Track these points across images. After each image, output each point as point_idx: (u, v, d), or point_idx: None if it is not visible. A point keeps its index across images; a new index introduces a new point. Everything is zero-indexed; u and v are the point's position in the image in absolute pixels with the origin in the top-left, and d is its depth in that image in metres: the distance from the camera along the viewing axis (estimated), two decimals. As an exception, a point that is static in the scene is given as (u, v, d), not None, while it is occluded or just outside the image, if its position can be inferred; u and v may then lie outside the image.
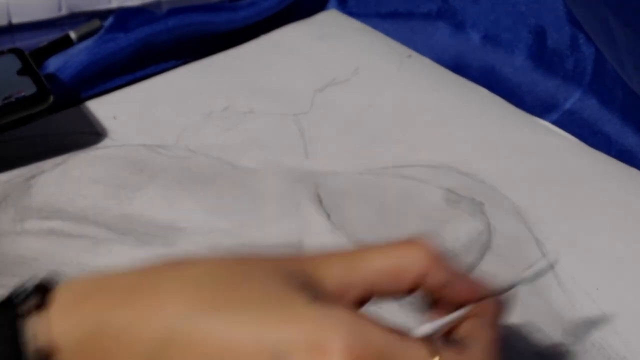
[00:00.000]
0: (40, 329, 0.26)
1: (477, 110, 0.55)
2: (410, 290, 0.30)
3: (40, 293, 0.27)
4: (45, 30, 0.59)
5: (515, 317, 0.40)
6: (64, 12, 0.59)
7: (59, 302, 0.27)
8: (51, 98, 0.47)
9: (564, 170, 0.50)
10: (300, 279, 0.28)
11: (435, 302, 0.31)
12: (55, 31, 0.59)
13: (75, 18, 0.59)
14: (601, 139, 0.54)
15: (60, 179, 0.48)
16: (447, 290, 0.30)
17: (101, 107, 0.54)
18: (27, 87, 0.48)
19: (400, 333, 0.27)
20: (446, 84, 0.58)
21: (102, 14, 0.60)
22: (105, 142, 0.51)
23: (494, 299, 0.31)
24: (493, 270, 0.43)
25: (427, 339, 0.28)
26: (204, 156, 0.50)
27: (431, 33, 0.63)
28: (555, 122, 0.55)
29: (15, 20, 0.58)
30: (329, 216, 0.46)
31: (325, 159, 0.50)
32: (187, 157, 0.50)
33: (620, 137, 0.53)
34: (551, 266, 0.33)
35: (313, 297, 0.28)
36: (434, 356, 0.27)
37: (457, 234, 0.45)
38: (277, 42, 0.62)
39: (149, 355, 0.27)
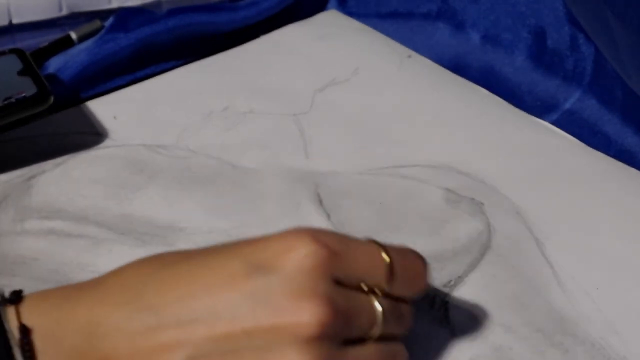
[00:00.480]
0: (14, 315, 0.31)
1: (477, 110, 0.55)
2: None
3: (14, 294, 0.33)
4: (46, 30, 0.59)
5: (515, 317, 0.40)
6: (64, 12, 0.59)
7: (28, 298, 0.32)
8: (51, 99, 0.47)
9: (564, 170, 0.50)
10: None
11: None
12: (56, 31, 0.59)
13: (75, 18, 0.59)
14: (601, 139, 0.54)
15: (60, 179, 0.48)
16: None
17: (101, 107, 0.54)
18: (27, 88, 0.48)
19: None
20: (446, 84, 0.58)
21: (102, 14, 0.60)
22: (105, 142, 0.51)
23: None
24: (493, 270, 0.43)
25: None
26: (204, 156, 0.50)
27: (431, 33, 0.63)
28: (555, 122, 0.55)
29: (16, 20, 0.58)
30: (329, 216, 0.46)
31: (325, 159, 0.50)
32: (187, 157, 0.50)
33: (620, 137, 0.53)
34: None
35: None
36: (381, 250, 0.33)
37: (457, 234, 0.45)
38: (277, 42, 0.62)
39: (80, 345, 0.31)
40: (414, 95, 0.56)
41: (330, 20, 0.65)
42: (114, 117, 0.53)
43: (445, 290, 0.41)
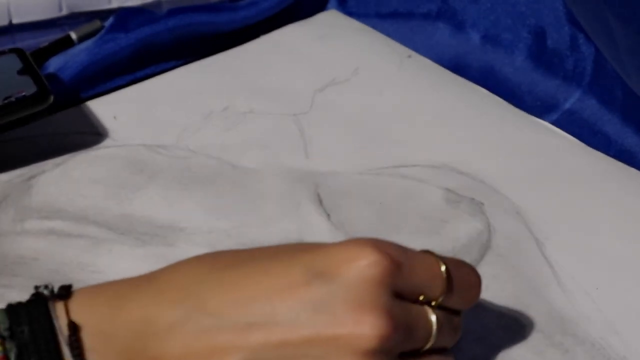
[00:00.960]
0: (63, 312, 0.31)
1: (477, 110, 0.55)
2: None
3: (64, 289, 0.32)
4: (46, 30, 0.59)
5: (515, 317, 0.40)
6: (64, 12, 0.59)
7: (78, 294, 0.32)
8: (51, 98, 0.47)
9: (564, 170, 0.50)
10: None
11: None
12: (56, 31, 0.59)
13: (75, 18, 0.59)
14: (601, 139, 0.54)
15: (60, 179, 0.48)
16: None
17: (101, 107, 0.54)
18: (27, 87, 0.48)
19: None
20: (446, 84, 0.58)
21: (102, 14, 0.60)
22: (105, 142, 0.51)
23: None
24: (493, 271, 0.43)
25: None
26: (204, 156, 0.50)
27: (431, 33, 0.63)
28: (555, 122, 0.55)
29: (16, 20, 0.58)
30: (329, 216, 0.46)
31: (325, 159, 0.50)
32: (187, 157, 0.50)
33: (620, 137, 0.53)
34: None
35: None
36: (440, 262, 0.33)
37: (457, 234, 0.45)
38: (277, 42, 0.62)
39: (131, 343, 0.31)
40: (414, 95, 0.56)
41: (330, 20, 0.65)
42: (114, 117, 0.53)
43: (445, 290, 0.41)
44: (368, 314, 0.30)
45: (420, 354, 0.33)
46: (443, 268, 0.32)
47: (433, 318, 0.32)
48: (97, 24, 0.58)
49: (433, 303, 0.33)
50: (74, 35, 0.58)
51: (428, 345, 0.32)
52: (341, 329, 0.30)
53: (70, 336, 0.30)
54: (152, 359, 0.30)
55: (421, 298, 0.32)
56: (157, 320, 0.30)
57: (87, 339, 0.30)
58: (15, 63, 0.50)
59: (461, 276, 0.33)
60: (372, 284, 0.30)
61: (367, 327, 0.29)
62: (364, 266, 0.30)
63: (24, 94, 0.47)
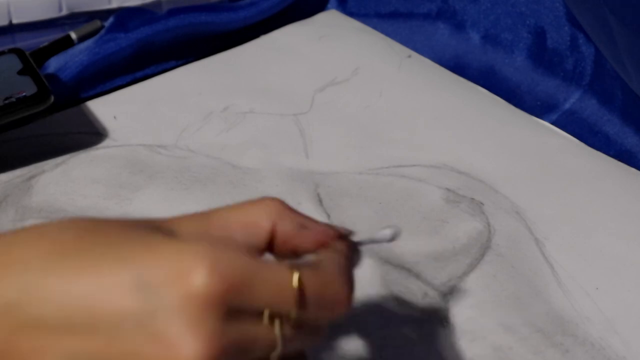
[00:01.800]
0: None
1: (477, 110, 0.55)
2: (269, 245, 0.32)
3: None
4: (45, 30, 0.59)
5: (514, 317, 0.40)
6: (64, 12, 0.59)
7: None
8: (52, 98, 0.47)
9: (564, 170, 0.50)
10: (158, 229, 0.30)
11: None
12: (55, 31, 0.59)
13: (75, 18, 0.60)
14: (601, 139, 0.54)
15: (60, 179, 0.48)
16: (298, 240, 0.32)
17: (101, 107, 0.54)
18: (27, 87, 0.48)
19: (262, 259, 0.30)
20: (446, 84, 0.58)
21: (102, 14, 0.60)
22: (105, 142, 0.51)
23: (345, 242, 0.33)
24: (493, 270, 0.43)
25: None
26: (204, 156, 0.50)
27: (431, 33, 0.63)
28: (555, 122, 0.55)
29: (16, 20, 0.58)
30: (329, 216, 0.46)
31: (325, 159, 0.50)
32: (187, 157, 0.50)
33: (620, 137, 0.53)
34: (392, 239, 0.36)
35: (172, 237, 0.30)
36: (293, 272, 0.30)
37: (457, 234, 0.45)
38: (277, 42, 0.62)
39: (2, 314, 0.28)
40: (414, 95, 0.56)
41: (330, 20, 0.65)
42: (114, 117, 0.53)
43: (445, 290, 0.41)
44: (190, 336, 0.28)
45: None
46: (295, 282, 0.30)
47: (277, 332, 0.30)
48: (97, 23, 0.58)
49: (284, 317, 0.30)
50: (74, 36, 0.58)
51: (275, 357, 0.30)
52: (161, 350, 0.28)
53: None
54: None
55: (265, 314, 0.30)
56: None
57: None
58: (15, 63, 0.51)
59: (323, 290, 0.31)
60: (199, 307, 0.28)
61: (189, 350, 0.28)
62: (194, 287, 0.28)
63: (24, 94, 0.47)
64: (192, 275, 0.28)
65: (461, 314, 0.40)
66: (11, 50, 0.52)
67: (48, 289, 0.28)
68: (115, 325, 0.28)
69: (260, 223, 0.32)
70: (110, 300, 0.28)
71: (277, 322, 0.30)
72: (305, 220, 0.33)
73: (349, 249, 0.33)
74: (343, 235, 0.34)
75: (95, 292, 0.28)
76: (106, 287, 0.28)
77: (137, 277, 0.28)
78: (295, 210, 0.32)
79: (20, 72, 0.50)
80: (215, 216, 0.32)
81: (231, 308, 0.29)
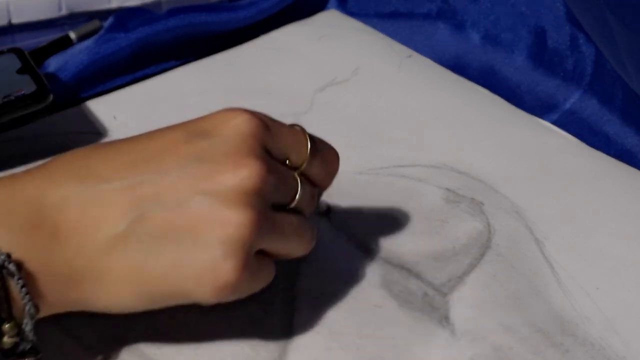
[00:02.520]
0: None
1: (477, 110, 0.55)
2: None
3: None
4: (45, 30, 0.59)
5: (515, 317, 0.40)
6: (64, 12, 0.59)
7: None
8: (51, 96, 0.47)
9: (564, 170, 0.50)
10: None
11: None
12: (55, 31, 0.59)
13: (75, 18, 0.59)
14: (601, 139, 0.54)
15: (60, 178, 0.48)
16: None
17: (101, 107, 0.54)
18: (26, 86, 0.48)
19: None
20: (446, 84, 0.58)
21: (102, 14, 0.60)
22: (105, 142, 0.51)
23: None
24: (493, 270, 0.43)
25: None
26: (203, 156, 0.50)
27: (431, 33, 0.63)
28: (555, 122, 0.55)
29: (15, 20, 0.58)
30: (329, 216, 0.46)
31: (325, 159, 0.50)
32: (187, 157, 0.50)
33: (620, 137, 0.53)
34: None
35: None
36: (305, 132, 0.38)
37: (457, 234, 0.45)
38: (277, 42, 0.62)
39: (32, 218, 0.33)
40: (414, 95, 0.56)
41: (330, 20, 0.65)
42: (114, 117, 0.53)
43: (445, 290, 0.41)
44: (245, 159, 0.34)
45: (286, 210, 0.36)
46: (308, 137, 0.37)
47: (298, 178, 0.37)
48: (96, 23, 0.58)
49: (297, 171, 0.37)
50: (73, 35, 0.58)
51: (294, 203, 0.36)
52: (223, 173, 0.33)
53: None
54: (52, 227, 0.32)
55: (287, 162, 0.37)
56: (52, 193, 0.33)
57: None
58: (14, 62, 0.50)
59: (323, 150, 0.39)
60: (246, 137, 0.34)
61: (245, 170, 0.33)
62: (239, 123, 0.35)
63: (23, 92, 0.47)
64: (235, 116, 0.35)
65: (461, 314, 0.40)
66: (10, 50, 0.52)
67: (113, 161, 0.34)
68: (180, 167, 0.33)
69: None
70: (170, 152, 0.34)
71: (297, 171, 0.37)
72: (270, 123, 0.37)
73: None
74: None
75: (155, 150, 0.34)
76: (163, 145, 0.34)
77: (189, 131, 0.35)
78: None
79: (19, 71, 0.50)
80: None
81: (265, 148, 0.35)
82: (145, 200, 0.33)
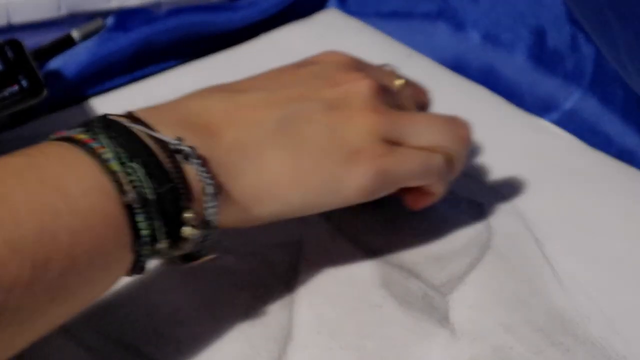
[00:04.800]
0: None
1: (477, 110, 0.55)
2: None
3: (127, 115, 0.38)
4: (45, 30, 0.59)
5: (514, 316, 0.40)
6: (64, 12, 0.59)
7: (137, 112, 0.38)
8: (45, 91, 0.46)
9: (564, 170, 0.50)
10: None
11: None
12: (55, 31, 0.59)
13: (75, 18, 0.59)
14: (601, 139, 0.54)
15: (60, 178, 0.47)
16: None
17: (101, 107, 0.54)
18: (20, 81, 0.47)
19: None
20: (446, 84, 0.58)
21: (102, 14, 0.60)
22: (105, 142, 0.51)
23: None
24: (493, 270, 0.43)
25: None
26: (203, 156, 0.50)
27: (431, 33, 0.63)
28: (556, 122, 0.55)
29: (15, 20, 0.57)
30: (329, 216, 0.46)
31: (325, 159, 0.50)
32: (187, 157, 0.50)
33: (620, 137, 0.53)
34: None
35: None
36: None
37: (456, 234, 0.45)
38: (277, 42, 0.62)
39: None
40: (414, 95, 0.56)
41: (330, 19, 0.65)
42: (114, 117, 0.53)
43: (445, 290, 0.41)
44: (357, 72, 0.41)
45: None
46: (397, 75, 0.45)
47: (397, 81, 0.44)
48: (99, 22, 0.58)
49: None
50: (75, 34, 0.57)
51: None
52: (344, 83, 0.40)
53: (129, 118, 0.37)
54: (203, 127, 0.36)
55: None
56: (193, 104, 0.37)
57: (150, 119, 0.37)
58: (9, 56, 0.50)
59: (413, 85, 0.46)
60: (348, 62, 0.43)
61: (362, 81, 0.40)
62: (334, 55, 0.44)
63: (16, 87, 0.46)
64: (331, 53, 0.45)
65: (461, 314, 0.40)
66: (7, 42, 0.51)
67: (251, 82, 0.42)
68: (307, 79, 0.41)
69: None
70: (296, 70, 0.42)
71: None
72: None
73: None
74: None
75: (286, 71, 0.42)
76: (291, 70, 0.42)
77: (298, 63, 0.44)
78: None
79: (13, 66, 0.49)
80: None
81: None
82: (284, 104, 0.37)
